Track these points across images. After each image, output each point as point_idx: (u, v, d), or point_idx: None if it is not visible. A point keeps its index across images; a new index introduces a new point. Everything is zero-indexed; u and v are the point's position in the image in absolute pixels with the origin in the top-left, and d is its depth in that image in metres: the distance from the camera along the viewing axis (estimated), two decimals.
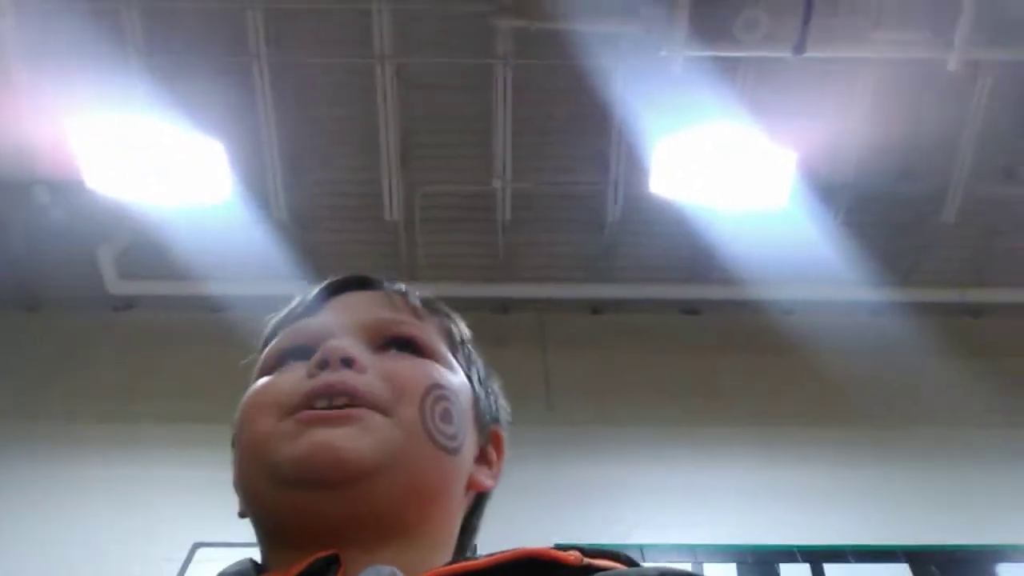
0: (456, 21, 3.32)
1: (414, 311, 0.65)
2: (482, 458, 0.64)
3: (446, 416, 0.58)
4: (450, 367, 0.63)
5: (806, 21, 2.79)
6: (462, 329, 0.69)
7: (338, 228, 3.89)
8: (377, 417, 0.55)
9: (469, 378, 0.65)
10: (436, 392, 0.59)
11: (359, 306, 0.65)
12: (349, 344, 0.59)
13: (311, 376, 0.57)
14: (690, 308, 4.07)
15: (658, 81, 3.04)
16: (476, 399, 0.65)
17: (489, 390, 0.68)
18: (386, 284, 0.68)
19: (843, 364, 3.49)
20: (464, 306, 0.72)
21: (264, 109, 3.42)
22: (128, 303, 4.00)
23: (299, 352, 0.61)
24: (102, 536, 2.77)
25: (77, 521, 2.95)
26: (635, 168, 3.46)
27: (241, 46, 3.32)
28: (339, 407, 0.55)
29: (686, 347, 3.84)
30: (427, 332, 0.64)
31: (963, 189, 3.51)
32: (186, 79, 3.32)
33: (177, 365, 3.60)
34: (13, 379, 3.62)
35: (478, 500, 0.66)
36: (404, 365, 0.60)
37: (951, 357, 3.58)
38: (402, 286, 0.68)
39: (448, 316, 0.68)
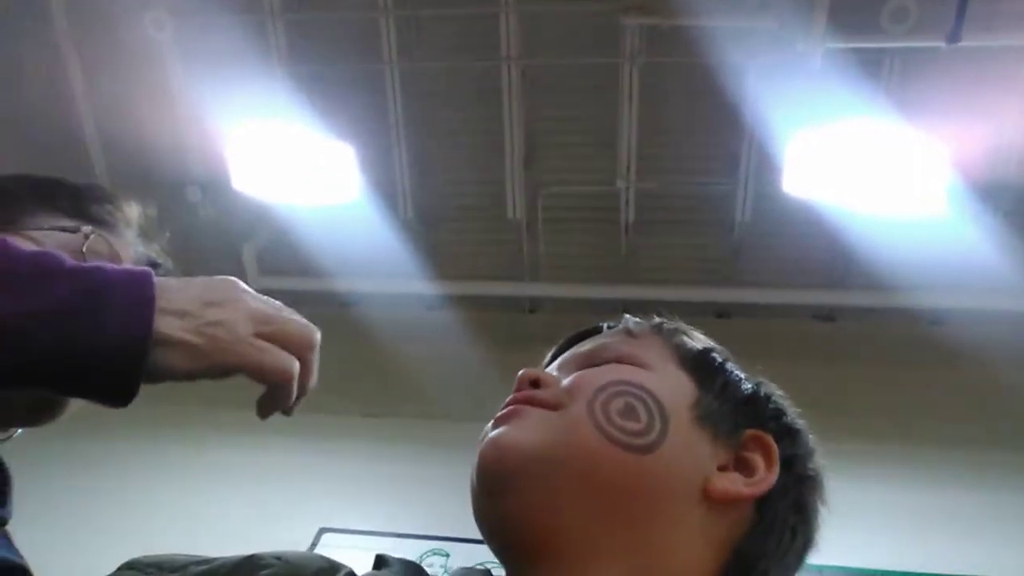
0: (583, 20, 3.30)
1: (627, 332, 0.66)
2: (740, 464, 0.60)
3: (628, 412, 0.56)
4: (653, 371, 0.61)
5: (961, 7, 2.57)
6: (697, 339, 0.67)
7: (462, 228, 3.96)
8: (542, 412, 0.57)
9: (702, 384, 0.61)
10: (613, 388, 0.57)
11: (579, 347, 0.67)
12: (542, 371, 0.62)
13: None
14: (825, 315, 3.86)
15: (792, 77, 2.89)
16: (699, 402, 0.60)
17: (737, 396, 0.63)
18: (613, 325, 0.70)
19: (1001, 379, 3.18)
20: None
21: (394, 113, 3.54)
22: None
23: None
24: (231, 517, 2.92)
25: (211, 503, 3.13)
26: (767, 167, 3.31)
27: (374, 54, 3.44)
28: None
29: (820, 356, 3.63)
30: (638, 348, 0.63)
31: None
32: (322, 86, 3.48)
33: None
34: None
35: (760, 518, 0.60)
36: (589, 371, 0.61)
37: None
38: (627, 316, 0.68)
39: (676, 331, 0.66)
